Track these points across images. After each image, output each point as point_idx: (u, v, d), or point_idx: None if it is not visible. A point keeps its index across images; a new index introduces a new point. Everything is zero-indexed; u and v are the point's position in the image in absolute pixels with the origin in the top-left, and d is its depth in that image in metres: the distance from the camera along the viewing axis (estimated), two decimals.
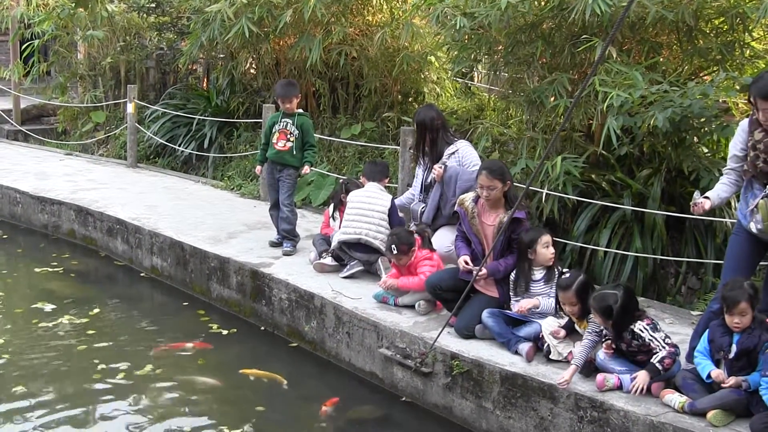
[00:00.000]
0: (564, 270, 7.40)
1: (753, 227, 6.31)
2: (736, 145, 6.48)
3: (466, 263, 7.51)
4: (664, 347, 6.36)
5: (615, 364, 6.52)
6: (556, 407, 6.52)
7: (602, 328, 6.56)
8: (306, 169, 9.96)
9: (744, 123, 6.43)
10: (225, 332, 9.30)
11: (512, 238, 7.44)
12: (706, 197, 6.51)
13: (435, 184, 8.83)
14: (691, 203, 6.54)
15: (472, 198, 7.65)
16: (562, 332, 6.95)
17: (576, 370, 6.58)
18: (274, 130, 9.91)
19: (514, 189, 7.68)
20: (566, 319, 7.06)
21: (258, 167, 10.41)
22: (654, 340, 6.37)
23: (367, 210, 8.98)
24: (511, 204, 7.46)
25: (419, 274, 8.13)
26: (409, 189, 9.57)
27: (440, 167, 8.73)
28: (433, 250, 8.37)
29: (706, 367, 6.12)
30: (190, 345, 8.79)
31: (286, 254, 9.81)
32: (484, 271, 7.39)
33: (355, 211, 9.01)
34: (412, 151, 9.98)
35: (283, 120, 9.87)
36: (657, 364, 6.31)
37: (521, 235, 7.42)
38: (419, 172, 9.29)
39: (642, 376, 6.31)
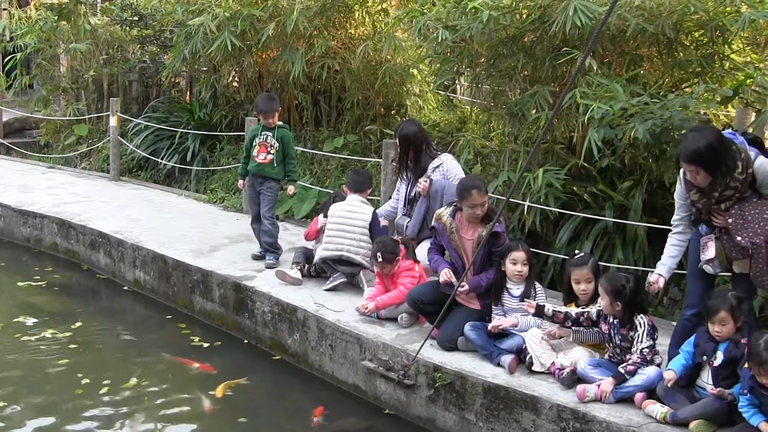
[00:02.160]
0: (576, 251, 7.43)
1: (710, 270, 6.39)
2: (680, 195, 6.52)
3: (448, 276, 7.52)
4: (638, 352, 6.45)
5: (596, 373, 6.55)
6: (538, 419, 6.54)
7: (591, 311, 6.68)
8: (291, 189, 10.02)
9: (682, 173, 6.44)
10: (206, 345, 9.28)
11: (492, 251, 7.46)
12: (660, 274, 6.60)
13: (420, 198, 8.84)
14: (646, 284, 6.62)
15: (449, 213, 7.65)
16: (556, 331, 6.97)
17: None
18: (254, 143, 9.91)
19: (495, 201, 7.70)
20: (550, 326, 7.08)
21: (240, 181, 10.44)
22: (640, 341, 6.46)
23: (347, 225, 8.98)
24: (489, 218, 7.49)
25: (399, 285, 8.15)
26: (389, 201, 9.58)
27: (425, 181, 8.73)
28: (416, 261, 8.38)
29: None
30: (196, 366, 8.68)
31: (268, 267, 9.80)
32: (466, 287, 7.42)
33: (336, 227, 9.01)
34: (394, 164, 10.00)
35: (263, 133, 9.87)
36: (621, 369, 6.41)
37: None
38: (401, 186, 9.30)
39: (606, 383, 6.40)
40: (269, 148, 9.83)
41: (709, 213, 6.29)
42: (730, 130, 6.47)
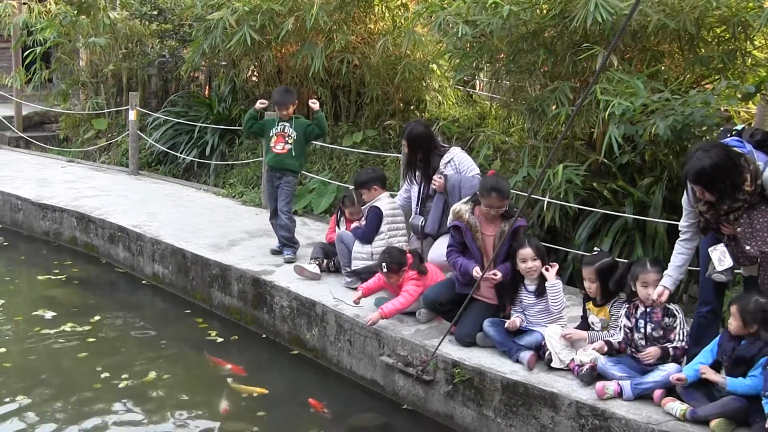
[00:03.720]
0: (595, 249, 7.40)
1: (722, 279, 6.33)
2: (688, 202, 6.44)
3: (479, 273, 7.43)
4: (683, 340, 6.48)
5: (616, 370, 6.52)
6: (557, 415, 6.52)
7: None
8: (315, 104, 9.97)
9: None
10: (224, 339, 9.31)
11: (513, 246, 7.44)
12: (665, 287, 6.53)
13: (435, 195, 8.75)
14: (650, 300, 6.57)
15: (469, 210, 7.63)
16: (573, 332, 6.94)
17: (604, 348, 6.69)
18: (271, 134, 9.90)
19: (515, 197, 7.66)
20: (570, 324, 7.06)
21: (259, 102, 10.13)
22: (681, 327, 6.51)
23: (400, 224, 9.03)
24: (509, 214, 7.49)
25: (403, 292, 8.04)
26: (402, 191, 9.42)
27: (440, 178, 8.63)
28: (421, 272, 8.19)
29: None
30: (228, 366, 8.60)
31: (287, 261, 9.80)
32: (499, 274, 7.38)
33: (395, 225, 9.01)
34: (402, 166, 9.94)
35: (280, 123, 9.87)
36: (671, 348, 6.44)
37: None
38: (412, 188, 9.08)
39: (654, 351, 6.43)
40: (287, 138, 9.81)
41: (718, 222, 6.25)
42: (737, 138, 6.38)
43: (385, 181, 9.40)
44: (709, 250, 6.32)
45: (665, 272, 6.59)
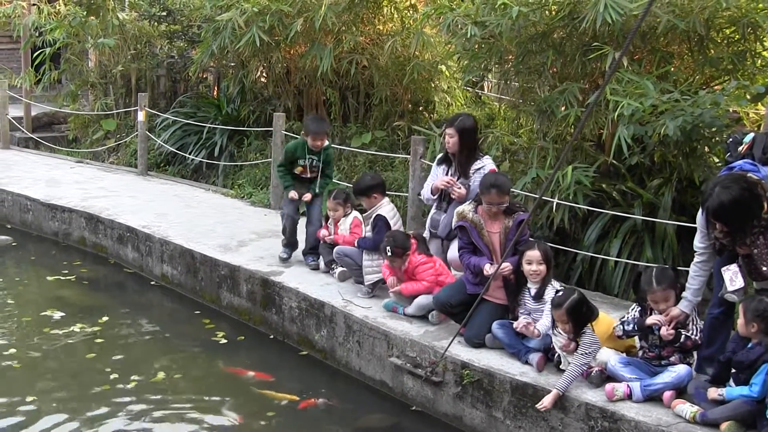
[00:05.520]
0: (559, 288, 7.30)
1: (735, 299, 6.31)
2: (703, 225, 6.39)
3: (492, 268, 7.42)
4: (696, 334, 6.51)
5: (626, 372, 6.51)
6: (566, 417, 6.51)
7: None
8: (308, 196, 9.75)
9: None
10: (232, 340, 9.32)
11: (519, 240, 7.42)
12: (682, 311, 6.51)
13: (454, 201, 8.66)
14: (665, 326, 6.51)
15: (472, 209, 7.63)
16: (572, 345, 6.91)
17: (557, 396, 6.57)
18: (298, 163, 9.73)
19: (524, 198, 7.66)
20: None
21: (291, 192, 9.76)
22: (694, 324, 6.55)
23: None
24: (512, 210, 7.54)
25: (422, 279, 8.13)
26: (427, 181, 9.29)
27: (460, 188, 8.54)
28: (429, 255, 8.33)
29: None
30: (251, 374, 8.52)
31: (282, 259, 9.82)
32: (509, 266, 7.38)
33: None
34: (422, 161, 9.88)
35: (309, 156, 9.69)
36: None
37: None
38: (439, 171, 9.01)
39: (665, 331, 6.44)
40: (313, 168, 9.75)
41: (734, 244, 6.21)
42: (750, 161, 6.34)
43: (385, 187, 9.29)
44: (722, 270, 6.30)
45: (683, 294, 6.56)
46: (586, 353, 6.65)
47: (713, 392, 6.06)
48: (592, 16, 8.36)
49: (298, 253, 9.96)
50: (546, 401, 6.57)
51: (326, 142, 9.76)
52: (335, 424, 7.63)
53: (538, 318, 7.22)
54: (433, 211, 8.97)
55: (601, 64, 9.07)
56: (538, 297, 7.27)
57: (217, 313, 10.06)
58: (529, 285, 7.35)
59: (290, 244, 9.93)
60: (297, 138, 10.64)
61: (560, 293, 6.95)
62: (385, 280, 8.45)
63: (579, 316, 6.72)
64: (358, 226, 9.26)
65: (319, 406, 7.82)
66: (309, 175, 9.78)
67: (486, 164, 8.60)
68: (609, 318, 7.19)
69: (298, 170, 9.77)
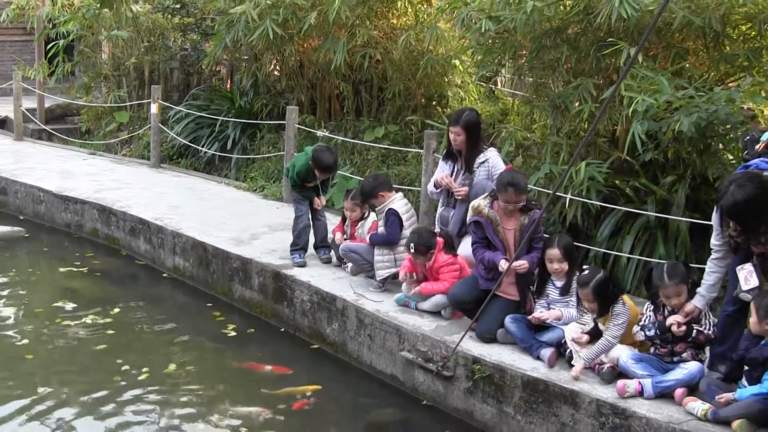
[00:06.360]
0: (585, 267, 7.37)
1: (748, 298, 6.26)
2: (719, 222, 6.35)
3: (506, 264, 7.41)
4: (709, 329, 6.51)
5: (638, 368, 6.50)
6: (577, 413, 6.50)
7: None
8: (318, 202, 9.82)
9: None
10: (243, 332, 9.33)
11: (533, 237, 7.42)
12: (696, 306, 6.51)
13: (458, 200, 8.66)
14: (680, 324, 6.50)
15: (487, 204, 7.62)
16: (585, 337, 6.91)
17: (583, 365, 6.69)
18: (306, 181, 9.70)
19: (537, 194, 7.64)
20: (589, 325, 7.02)
21: (319, 200, 9.86)
22: (707, 319, 6.55)
23: (415, 224, 8.99)
24: (527, 207, 7.53)
25: (443, 280, 8.10)
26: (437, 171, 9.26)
27: (463, 187, 8.53)
28: (455, 255, 8.30)
29: None
30: (268, 368, 8.51)
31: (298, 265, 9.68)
32: (525, 263, 7.38)
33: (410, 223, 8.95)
34: (436, 155, 9.85)
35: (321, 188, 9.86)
36: (695, 330, 6.47)
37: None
38: (445, 167, 9.06)
39: (677, 327, 6.44)
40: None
41: (748, 243, 6.19)
42: (766, 159, 6.31)
43: (390, 183, 9.26)
44: (737, 269, 6.28)
45: (697, 290, 6.56)
46: (618, 324, 6.75)
47: (725, 397, 6.02)
48: (607, 11, 8.31)
49: (309, 246, 9.94)
50: (574, 371, 6.71)
51: None
52: (346, 417, 7.63)
53: (560, 310, 7.28)
54: (441, 207, 9.00)
55: (615, 59, 9.03)
56: (565, 291, 7.31)
57: (229, 306, 10.07)
58: (553, 278, 7.38)
59: (304, 248, 9.84)
60: (308, 130, 10.60)
61: (586, 272, 7.03)
62: (398, 275, 8.45)
63: (605, 296, 6.78)
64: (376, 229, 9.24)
65: (319, 404, 7.79)
66: (319, 205, 9.88)
67: (489, 156, 8.65)
68: (635, 308, 7.14)
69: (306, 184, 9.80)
